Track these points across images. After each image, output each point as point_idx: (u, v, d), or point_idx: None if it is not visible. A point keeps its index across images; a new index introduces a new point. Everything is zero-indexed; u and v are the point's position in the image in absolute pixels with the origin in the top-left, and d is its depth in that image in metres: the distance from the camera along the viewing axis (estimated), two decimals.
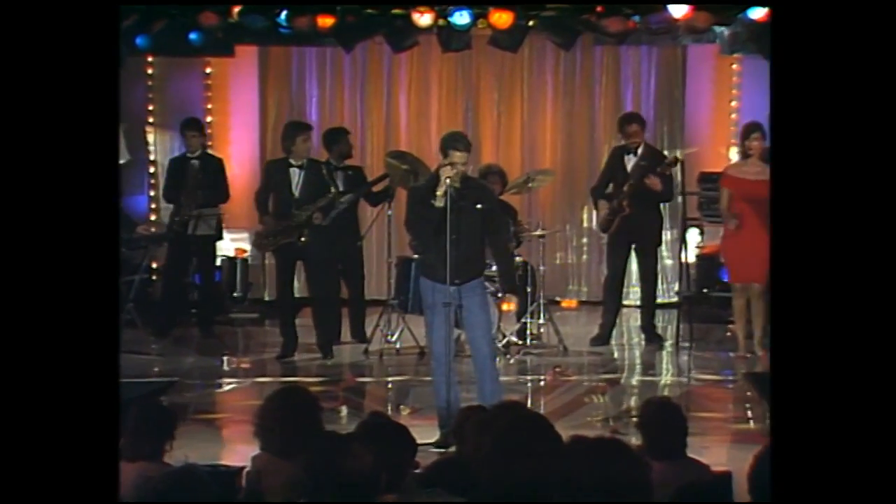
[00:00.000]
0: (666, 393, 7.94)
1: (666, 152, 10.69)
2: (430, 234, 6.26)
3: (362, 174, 9.72)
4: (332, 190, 8.81)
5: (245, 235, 11.64)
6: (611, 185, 9.55)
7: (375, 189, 9.47)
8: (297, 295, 9.66)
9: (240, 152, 11.90)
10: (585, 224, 11.99)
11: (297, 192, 8.73)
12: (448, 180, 6.20)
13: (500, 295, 7.86)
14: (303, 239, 8.70)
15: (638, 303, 10.37)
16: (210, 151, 10.20)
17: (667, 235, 11.81)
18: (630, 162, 9.41)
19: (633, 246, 9.53)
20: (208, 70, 11.81)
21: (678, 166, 9.07)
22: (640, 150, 9.45)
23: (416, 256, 9.04)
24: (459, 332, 7.27)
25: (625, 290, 11.12)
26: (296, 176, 8.73)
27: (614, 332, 9.79)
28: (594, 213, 10.28)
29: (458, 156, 6.26)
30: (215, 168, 9.99)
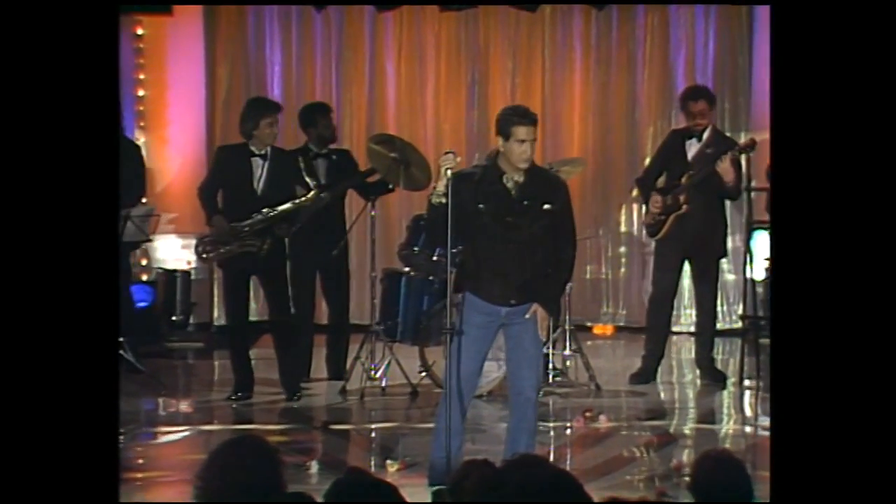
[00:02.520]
0: (727, 445, 7.91)
1: (741, 137, 10.64)
2: (439, 240, 6.27)
3: (351, 160, 9.67)
4: (304, 192, 8.77)
5: (192, 242, 11.65)
6: (662, 178, 9.55)
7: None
8: (254, 318, 9.68)
9: (181, 135, 11.93)
10: (624, 228, 12.07)
11: (259, 189, 8.75)
12: (449, 172, 6.18)
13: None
14: (265, 247, 8.70)
15: (692, 329, 10.32)
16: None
17: (729, 243, 11.85)
18: (692, 149, 9.39)
19: (690, 256, 9.49)
20: (140, 31, 11.85)
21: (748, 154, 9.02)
22: (706, 135, 9.42)
23: (406, 270, 9.08)
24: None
25: (674, 311, 11.15)
26: (258, 168, 8.73)
27: (661, 367, 9.77)
28: (641, 211, 10.21)
29: (523, 131, 6.19)
30: (132, 153, 9.92)
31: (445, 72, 12.05)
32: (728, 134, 11.35)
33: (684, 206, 9.25)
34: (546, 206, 6.31)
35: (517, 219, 6.29)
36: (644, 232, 10.02)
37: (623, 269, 11.96)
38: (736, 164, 9.16)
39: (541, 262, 6.36)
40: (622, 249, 11.94)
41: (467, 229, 6.31)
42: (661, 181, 9.52)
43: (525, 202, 6.29)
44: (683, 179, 9.29)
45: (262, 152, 8.73)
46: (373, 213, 9.41)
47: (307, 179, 9.10)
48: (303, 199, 8.75)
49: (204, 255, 9.01)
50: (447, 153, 6.29)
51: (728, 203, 9.69)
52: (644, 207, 9.71)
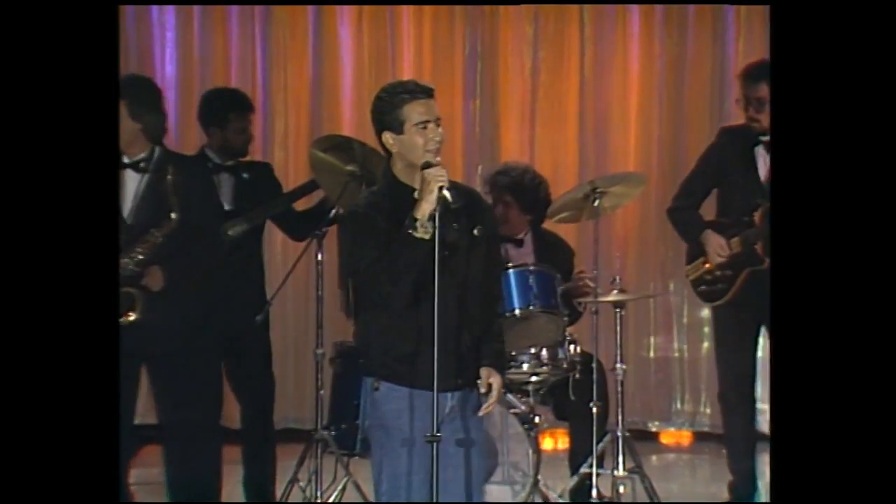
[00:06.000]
0: None
1: None
2: (404, 295, 6.28)
3: (270, 178, 9.63)
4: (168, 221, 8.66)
5: None
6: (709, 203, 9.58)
7: (300, 206, 9.54)
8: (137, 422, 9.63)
9: None
10: None
11: (130, 215, 8.55)
12: (446, 192, 6.16)
13: (536, 421, 8.40)
14: (131, 317, 8.29)
15: None
16: None
17: None
18: (763, 160, 9.13)
19: (767, 329, 9.26)
20: None
21: None
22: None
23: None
24: None
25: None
26: (132, 182, 8.65)
27: (761, 491, 9.66)
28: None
29: (420, 109, 6.29)
30: None
31: (430, 68, 12.19)
32: None
33: (766, 261, 8.91)
34: (475, 231, 6.46)
35: (453, 251, 6.34)
36: (693, 292, 9.77)
37: (706, 344, 11.89)
38: None
39: (484, 315, 6.51)
40: (705, 314, 11.61)
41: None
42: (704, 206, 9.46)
43: (455, 224, 6.35)
44: (757, 216, 9.03)
45: (137, 160, 8.50)
46: (319, 256, 9.26)
47: (173, 199, 8.74)
48: (161, 230, 8.42)
49: None
50: (434, 166, 6.25)
51: None
52: (686, 254, 9.51)
